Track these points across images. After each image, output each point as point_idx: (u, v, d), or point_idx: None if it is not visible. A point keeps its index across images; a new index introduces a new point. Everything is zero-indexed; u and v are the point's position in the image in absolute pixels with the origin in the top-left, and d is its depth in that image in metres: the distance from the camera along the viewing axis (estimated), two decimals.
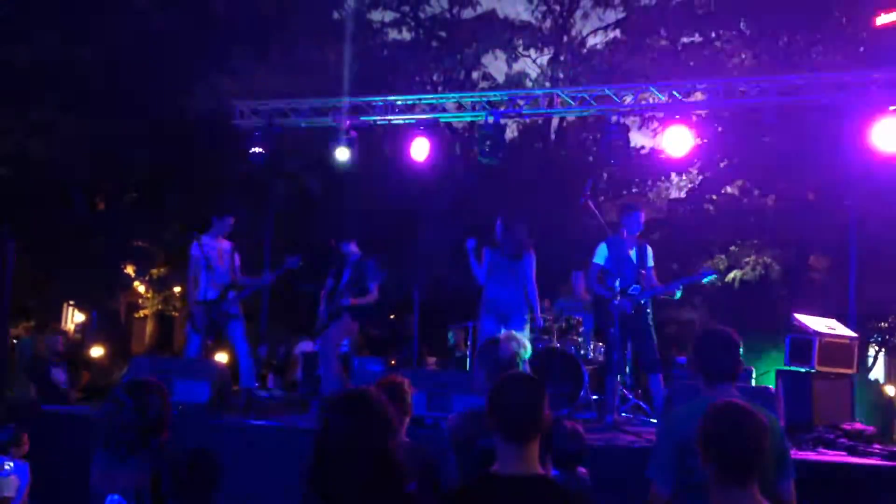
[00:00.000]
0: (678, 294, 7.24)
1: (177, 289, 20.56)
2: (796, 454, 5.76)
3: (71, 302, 20.86)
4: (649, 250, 7.33)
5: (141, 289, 20.75)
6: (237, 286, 7.67)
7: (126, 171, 15.34)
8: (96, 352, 16.14)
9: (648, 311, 7.19)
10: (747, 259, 16.63)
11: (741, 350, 3.60)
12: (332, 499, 2.43)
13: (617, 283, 6.99)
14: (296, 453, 5.85)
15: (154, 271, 18.98)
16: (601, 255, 7.24)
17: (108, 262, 16.50)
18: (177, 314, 22.99)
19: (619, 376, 7.12)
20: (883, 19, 9.79)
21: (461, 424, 3.84)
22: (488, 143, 9.54)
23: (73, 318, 22.52)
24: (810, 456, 5.79)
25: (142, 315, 22.14)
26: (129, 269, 18.70)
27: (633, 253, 7.25)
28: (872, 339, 17.82)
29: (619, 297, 6.93)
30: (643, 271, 7.22)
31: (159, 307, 21.79)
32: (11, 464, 5.23)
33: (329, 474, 2.43)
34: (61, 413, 6.77)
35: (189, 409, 6.01)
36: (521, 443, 2.71)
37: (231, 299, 7.59)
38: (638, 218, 7.35)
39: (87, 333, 20.38)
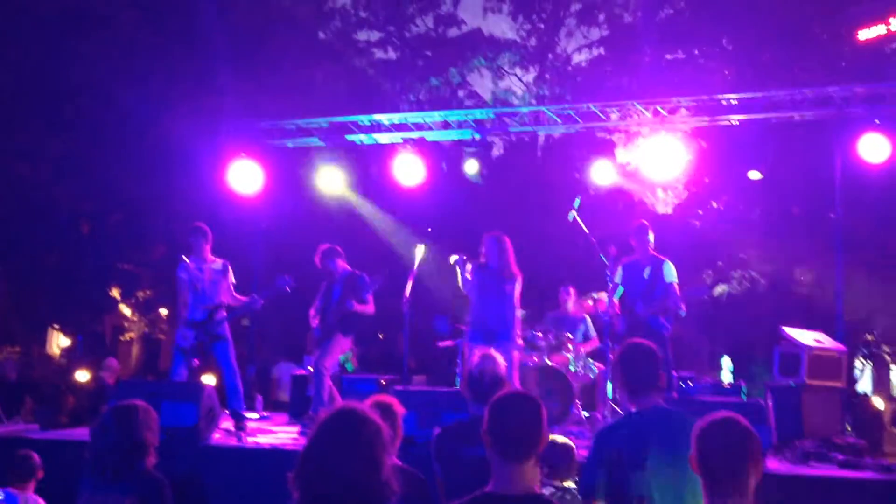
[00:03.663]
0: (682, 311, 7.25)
1: (163, 311, 20.43)
2: (788, 468, 5.77)
3: (56, 325, 20.67)
4: (667, 267, 7.36)
5: (126, 311, 20.58)
6: (225, 307, 7.58)
7: (111, 193, 15.26)
8: (82, 376, 15.98)
9: (659, 328, 7.16)
10: (734, 273, 16.71)
11: (660, 362, 3.62)
12: None
13: (613, 300, 7.06)
14: (285, 476, 5.84)
15: (140, 294, 18.85)
16: (619, 275, 7.34)
17: (94, 284, 16.38)
18: (164, 337, 22.84)
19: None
20: (864, 35, 9.88)
21: (446, 437, 3.84)
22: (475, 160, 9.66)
23: (59, 342, 22.32)
24: (802, 470, 5.77)
25: (127, 338, 21.96)
26: (115, 292, 18.56)
27: (647, 271, 7.31)
28: (859, 353, 17.88)
29: (608, 315, 7.01)
30: (656, 288, 7.24)
31: (145, 330, 21.64)
32: (2, 495, 5.14)
33: (314, 492, 2.39)
34: (60, 438, 6.68)
35: (176, 433, 5.94)
36: (517, 462, 2.69)
37: (218, 321, 7.52)
38: (644, 235, 7.42)
39: (73, 357, 20.20)
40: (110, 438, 3.63)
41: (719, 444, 2.68)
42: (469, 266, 7.38)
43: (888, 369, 22.64)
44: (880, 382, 22.80)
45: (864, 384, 20.35)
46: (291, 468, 6.02)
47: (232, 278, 7.77)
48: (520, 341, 7.50)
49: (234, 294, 7.76)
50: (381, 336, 17.68)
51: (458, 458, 3.61)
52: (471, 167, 10.05)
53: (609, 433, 3.57)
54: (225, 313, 7.54)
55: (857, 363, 18.46)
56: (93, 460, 3.67)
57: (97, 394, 12.24)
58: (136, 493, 3.58)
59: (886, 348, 19.11)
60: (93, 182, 14.80)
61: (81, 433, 6.78)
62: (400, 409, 3.94)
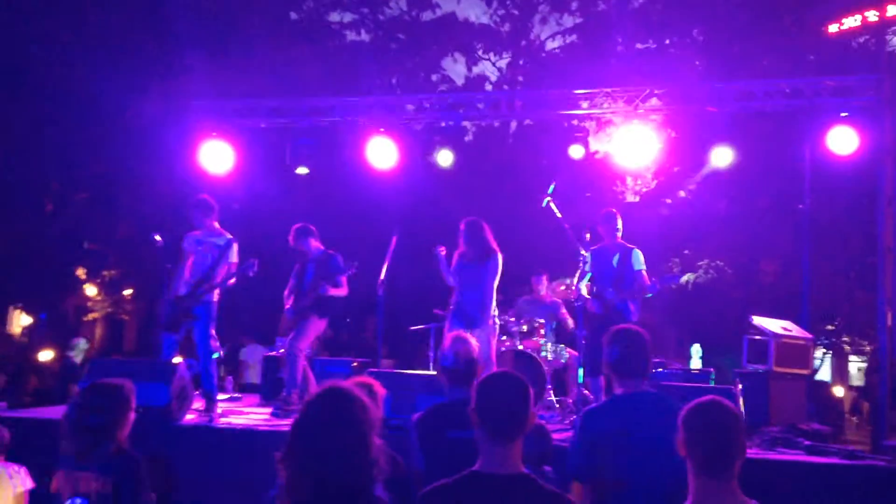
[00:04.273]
0: (649, 294, 7.31)
1: (127, 291, 20.22)
2: (757, 453, 5.87)
3: (18, 305, 20.36)
4: (635, 255, 7.39)
5: (91, 292, 20.33)
6: (208, 282, 7.36)
7: (77, 173, 15.03)
8: (45, 355, 15.79)
9: (628, 314, 7.22)
10: (700, 263, 16.92)
11: (649, 348, 3.69)
12: (306, 497, 2.39)
13: (582, 286, 7.10)
14: (258, 456, 5.81)
15: (105, 273, 18.62)
16: (587, 262, 7.35)
17: (59, 263, 16.14)
18: (127, 317, 22.62)
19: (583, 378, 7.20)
20: (835, 28, 10.02)
21: (427, 418, 3.85)
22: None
23: (20, 321, 22.00)
24: (770, 455, 5.87)
25: (91, 318, 21.71)
26: (80, 272, 18.31)
27: (616, 258, 7.35)
28: (820, 342, 18.22)
29: (585, 300, 7.08)
30: (625, 276, 7.28)
31: (109, 310, 21.40)
32: None
33: (306, 472, 2.38)
34: (30, 416, 6.57)
35: (148, 412, 5.88)
36: (505, 442, 2.71)
37: (198, 295, 7.28)
38: (612, 223, 7.45)
39: (35, 337, 19.94)
40: (88, 417, 3.59)
41: (706, 424, 2.75)
42: (452, 256, 7.43)
43: (847, 359, 23.12)
44: (839, 372, 23.30)
45: (824, 373, 20.76)
46: (263, 449, 5.97)
47: (233, 256, 7.48)
48: (495, 330, 7.51)
49: (233, 272, 7.47)
50: (348, 320, 17.66)
51: (441, 440, 3.63)
52: (444, 158, 10.03)
53: (595, 415, 3.62)
54: (205, 289, 7.33)
55: (817, 353, 18.79)
56: (69, 439, 3.62)
57: (63, 373, 12.12)
58: (113, 471, 3.55)
59: (846, 338, 19.50)
60: (58, 161, 14.56)
61: (50, 412, 6.70)
62: (381, 391, 3.95)
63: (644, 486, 3.34)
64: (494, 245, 7.28)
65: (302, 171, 9.95)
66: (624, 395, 3.57)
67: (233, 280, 7.44)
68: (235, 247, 7.53)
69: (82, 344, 12.56)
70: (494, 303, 7.35)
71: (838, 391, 18.72)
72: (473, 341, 4.19)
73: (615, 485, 3.41)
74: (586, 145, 9.92)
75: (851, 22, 9.74)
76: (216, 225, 7.59)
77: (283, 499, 2.43)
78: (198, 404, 7.15)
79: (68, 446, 3.63)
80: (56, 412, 6.88)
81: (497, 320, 7.37)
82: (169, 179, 12.93)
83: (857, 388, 20.22)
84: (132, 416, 3.74)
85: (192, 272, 7.39)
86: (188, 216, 7.61)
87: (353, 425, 2.41)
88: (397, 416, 5.75)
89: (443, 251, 7.42)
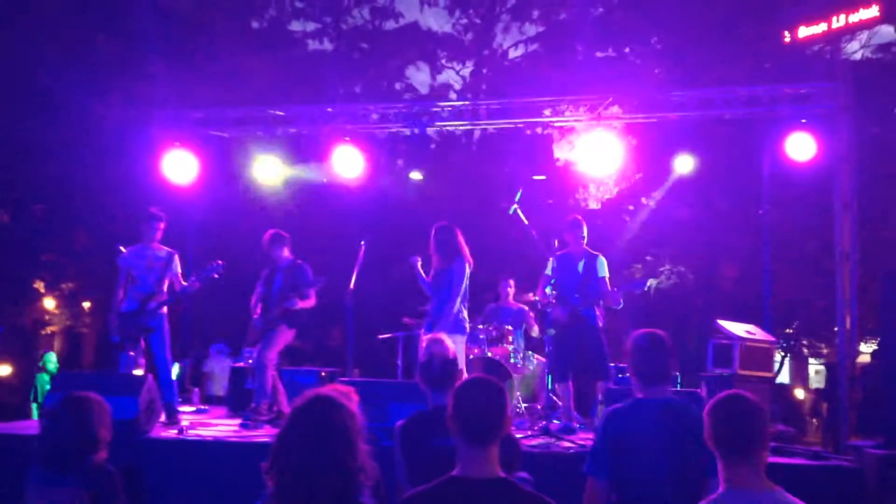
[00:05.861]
0: (621, 304, 7.33)
1: (86, 304, 19.88)
2: None
3: None
4: (600, 262, 7.41)
5: (49, 304, 19.95)
6: (157, 297, 7.36)
7: (34, 181, 14.76)
8: (3, 370, 15.49)
9: (594, 320, 7.27)
10: (662, 268, 17.11)
11: (671, 353, 3.73)
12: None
13: (549, 291, 7.13)
14: (229, 467, 5.77)
15: (63, 285, 18.30)
16: (550, 266, 7.37)
17: (15, 275, 15.84)
18: (86, 330, 22.22)
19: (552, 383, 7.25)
20: (804, 33, 10.22)
21: (410, 426, 3.84)
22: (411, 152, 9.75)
23: None
24: None
25: (49, 331, 21.29)
26: (39, 284, 17.97)
27: (581, 264, 7.37)
28: (779, 345, 18.52)
29: (550, 306, 7.10)
30: (590, 282, 7.32)
31: (68, 323, 21.01)
32: None
33: (295, 480, 2.38)
34: None
35: (116, 426, 5.80)
36: (483, 446, 2.73)
37: (150, 311, 7.30)
38: (578, 230, 7.48)
39: None
40: (62, 430, 3.55)
41: (732, 413, 2.91)
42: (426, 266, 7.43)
43: (806, 362, 23.52)
44: (798, 374, 23.69)
45: (783, 376, 21.08)
46: (235, 461, 5.94)
47: (177, 268, 7.54)
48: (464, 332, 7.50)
49: (181, 283, 7.53)
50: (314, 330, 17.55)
51: (423, 448, 3.63)
52: (416, 175, 10.07)
53: (616, 416, 3.63)
54: (155, 303, 7.33)
55: (776, 355, 19.09)
56: (43, 453, 3.58)
57: (37, 388, 11.92)
58: (88, 486, 3.51)
59: (805, 341, 19.84)
60: (14, 170, 14.30)
61: (14, 427, 6.58)
62: (355, 398, 3.94)
63: (659, 487, 3.39)
64: (463, 248, 7.23)
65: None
66: (646, 398, 3.60)
67: (197, 285, 7.42)
68: (177, 258, 7.58)
69: (53, 357, 12.39)
70: (463, 307, 7.31)
71: (799, 394, 19.03)
72: (449, 342, 4.15)
73: (631, 484, 3.46)
74: (550, 157, 10.03)
75: (815, 29, 9.93)
76: (157, 237, 7.57)
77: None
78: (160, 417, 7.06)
79: (42, 461, 3.58)
80: (20, 427, 6.78)
81: (467, 325, 7.34)
82: (130, 189, 12.77)
83: (816, 391, 20.59)
84: (107, 430, 3.71)
85: (139, 287, 7.36)
86: (139, 228, 7.59)
87: (341, 432, 2.42)
88: (371, 426, 5.73)
89: (418, 261, 7.40)
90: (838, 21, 9.82)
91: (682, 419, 3.47)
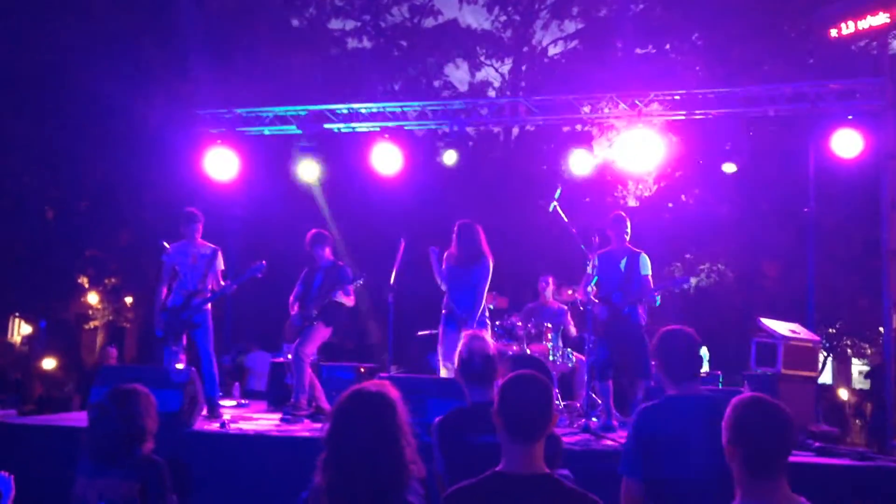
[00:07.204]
0: (658, 301, 7.26)
1: (128, 299, 20.18)
2: None
3: (17, 314, 20.34)
4: (643, 259, 7.35)
5: (92, 299, 20.30)
6: (201, 294, 7.49)
7: (79, 180, 15.02)
8: (48, 363, 15.78)
9: (636, 318, 7.21)
10: (702, 266, 16.94)
11: (700, 349, 3.69)
12: (342, 500, 2.41)
13: (589, 290, 7.10)
14: (271, 461, 5.83)
15: (106, 281, 18.60)
16: (591, 265, 7.34)
17: (60, 271, 16.13)
18: (128, 325, 22.57)
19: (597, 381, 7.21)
20: (836, 32, 10.05)
21: (448, 422, 3.84)
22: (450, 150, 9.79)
23: (20, 329, 21.97)
24: None
25: (91, 326, 21.67)
26: (83, 280, 18.29)
27: (623, 262, 7.32)
28: (822, 345, 18.24)
29: (592, 304, 7.07)
30: (632, 279, 7.26)
31: (110, 318, 21.36)
32: None
33: (343, 475, 2.40)
34: (41, 424, 6.59)
35: (161, 419, 5.89)
36: (528, 442, 2.72)
37: (194, 307, 7.43)
38: (622, 226, 7.43)
39: (35, 345, 19.91)
40: (110, 423, 3.61)
41: (756, 422, 2.67)
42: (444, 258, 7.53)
43: (849, 362, 23.14)
44: (841, 375, 23.32)
45: (826, 376, 20.78)
46: (276, 454, 5.98)
47: (220, 265, 7.68)
48: (487, 329, 7.56)
49: (221, 281, 7.68)
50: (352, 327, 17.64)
51: (462, 445, 3.62)
52: (449, 157, 10.05)
53: (649, 414, 3.59)
54: (200, 300, 7.45)
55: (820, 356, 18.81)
56: (91, 445, 3.64)
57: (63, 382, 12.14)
58: (137, 477, 3.57)
59: (848, 341, 19.51)
60: (60, 168, 14.56)
61: (64, 419, 6.71)
62: (396, 393, 3.95)
63: (696, 485, 3.35)
64: (486, 249, 7.33)
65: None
66: (678, 395, 3.57)
67: (234, 287, 7.54)
68: (221, 255, 7.71)
69: (113, 352, 12.66)
70: (484, 306, 7.45)
71: (842, 394, 18.75)
72: (489, 339, 4.14)
73: (668, 483, 3.43)
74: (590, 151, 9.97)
75: (859, 25, 9.74)
76: (199, 235, 7.70)
77: (318, 502, 2.44)
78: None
79: (90, 453, 3.64)
80: (70, 419, 6.91)
81: (488, 323, 7.41)
82: (172, 186, 12.95)
83: (860, 392, 20.25)
84: (153, 422, 3.77)
85: (183, 283, 7.48)
86: (180, 228, 7.72)
87: (387, 428, 2.43)
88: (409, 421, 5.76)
89: (435, 252, 7.52)
90: (882, 18, 9.62)
91: (717, 415, 3.41)
